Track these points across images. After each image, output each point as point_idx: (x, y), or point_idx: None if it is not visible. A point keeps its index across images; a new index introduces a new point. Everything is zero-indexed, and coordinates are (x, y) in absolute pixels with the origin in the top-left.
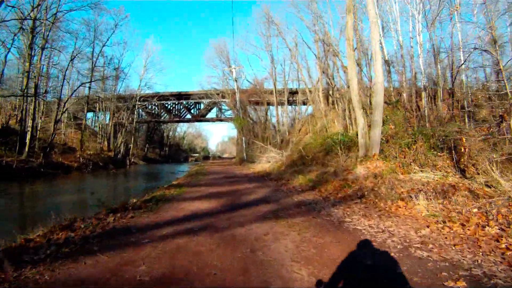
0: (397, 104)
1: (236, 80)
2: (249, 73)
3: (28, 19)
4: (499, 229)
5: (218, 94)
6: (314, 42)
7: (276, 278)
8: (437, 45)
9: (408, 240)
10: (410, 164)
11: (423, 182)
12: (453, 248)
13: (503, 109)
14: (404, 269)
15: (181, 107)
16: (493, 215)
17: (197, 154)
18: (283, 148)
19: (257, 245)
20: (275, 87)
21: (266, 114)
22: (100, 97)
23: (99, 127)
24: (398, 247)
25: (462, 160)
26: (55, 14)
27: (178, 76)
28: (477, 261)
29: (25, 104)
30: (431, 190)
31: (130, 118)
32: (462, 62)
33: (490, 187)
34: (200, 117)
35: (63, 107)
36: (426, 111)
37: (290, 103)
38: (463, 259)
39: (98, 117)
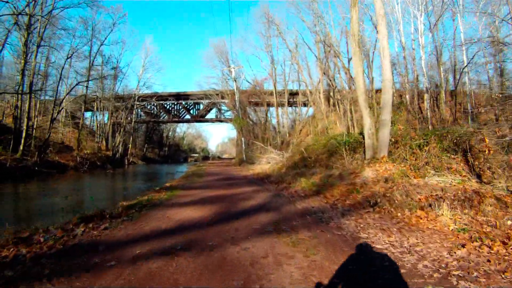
0: (400, 105)
1: (235, 80)
2: (248, 74)
3: (23, 14)
4: None
5: (217, 94)
6: (315, 43)
7: None
8: (440, 47)
9: (444, 265)
10: (423, 167)
11: (441, 188)
12: (502, 276)
13: None
14: None
15: (180, 107)
16: None
17: (196, 155)
18: (283, 149)
19: (253, 273)
20: (275, 88)
21: (266, 115)
22: (98, 96)
23: (97, 127)
24: (435, 275)
25: (477, 163)
26: (51, 11)
27: (176, 76)
28: None
29: (20, 102)
30: (453, 198)
31: (129, 118)
32: (465, 64)
33: None
34: (200, 118)
35: (60, 106)
36: (428, 113)
37: (290, 104)
38: None
39: (96, 116)
